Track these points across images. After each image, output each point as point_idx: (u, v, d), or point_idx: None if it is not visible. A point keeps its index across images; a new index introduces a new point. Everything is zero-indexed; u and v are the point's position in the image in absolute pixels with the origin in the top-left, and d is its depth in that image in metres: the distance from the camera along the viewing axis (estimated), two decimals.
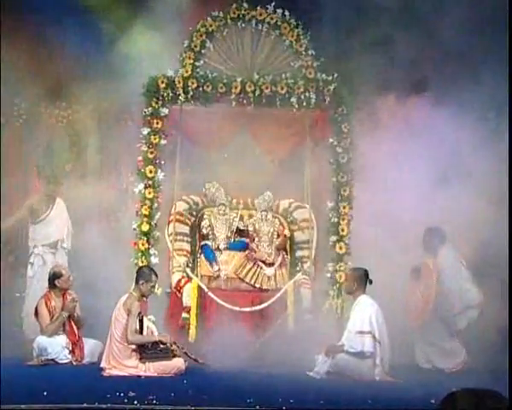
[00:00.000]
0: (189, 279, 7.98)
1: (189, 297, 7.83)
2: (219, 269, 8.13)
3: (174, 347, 6.80)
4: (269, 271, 8.17)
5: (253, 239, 8.38)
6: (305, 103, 7.91)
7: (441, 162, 8.12)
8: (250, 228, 8.42)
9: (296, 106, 7.90)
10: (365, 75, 8.17)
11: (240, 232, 8.50)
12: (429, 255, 8.01)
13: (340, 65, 8.21)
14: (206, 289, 7.86)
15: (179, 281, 7.95)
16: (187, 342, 7.39)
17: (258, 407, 5.16)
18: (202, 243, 8.37)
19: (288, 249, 8.45)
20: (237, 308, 7.68)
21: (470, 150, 7.89)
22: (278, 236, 8.39)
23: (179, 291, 7.90)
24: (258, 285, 8.08)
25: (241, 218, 8.60)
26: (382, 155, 7.85)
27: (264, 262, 8.22)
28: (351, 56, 8.43)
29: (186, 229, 8.36)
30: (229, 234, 8.39)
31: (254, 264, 8.21)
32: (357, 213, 7.93)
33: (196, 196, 8.62)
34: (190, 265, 8.20)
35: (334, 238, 7.91)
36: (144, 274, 6.97)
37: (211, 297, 7.80)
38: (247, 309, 7.73)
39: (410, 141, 7.90)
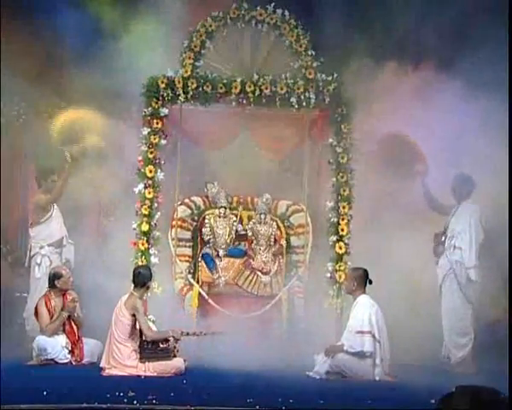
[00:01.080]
0: (191, 287, 8.26)
1: (190, 307, 8.15)
2: (219, 277, 8.40)
3: (182, 337, 6.83)
4: (265, 278, 8.46)
5: (252, 242, 8.62)
6: (304, 103, 7.89)
7: (443, 161, 8.12)
8: (249, 233, 8.66)
9: (296, 106, 7.88)
10: (365, 74, 8.16)
11: (239, 237, 8.71)
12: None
13: (340, 65, 8.20)
14: (206, 297, 8.13)
15: (182, 289, 8.27)
16: None
17: (258, 407, 5.17)
18: (203, 251, 8.58)
19: (284, 253, 8.67)
20: (236, 314, 7.85)
21: (472, 147, 7.85)
22: (275, 240, 8.59)
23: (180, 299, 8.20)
24: (255, 292, 8.38)
25: (241, 220, 8.75)
26: (383, 153, 7.86)
27: (260, 270, 8.46)
28: (350, 56, 8.43)
29: (188, 234, 8.65)
30: (228, 240, 8.60)
31: (251, 272, 8.49)
32: (357, 213, 7.94)
33: (198, 197, 8.72)
34: (192, 271, 8.47)
35: (333, 238, 7.92)
36: (145, 275, 7.00)
37: (210, 302, 8.07)
38: (245, 315, 7.90)
39: (411, 139, 7.90)
